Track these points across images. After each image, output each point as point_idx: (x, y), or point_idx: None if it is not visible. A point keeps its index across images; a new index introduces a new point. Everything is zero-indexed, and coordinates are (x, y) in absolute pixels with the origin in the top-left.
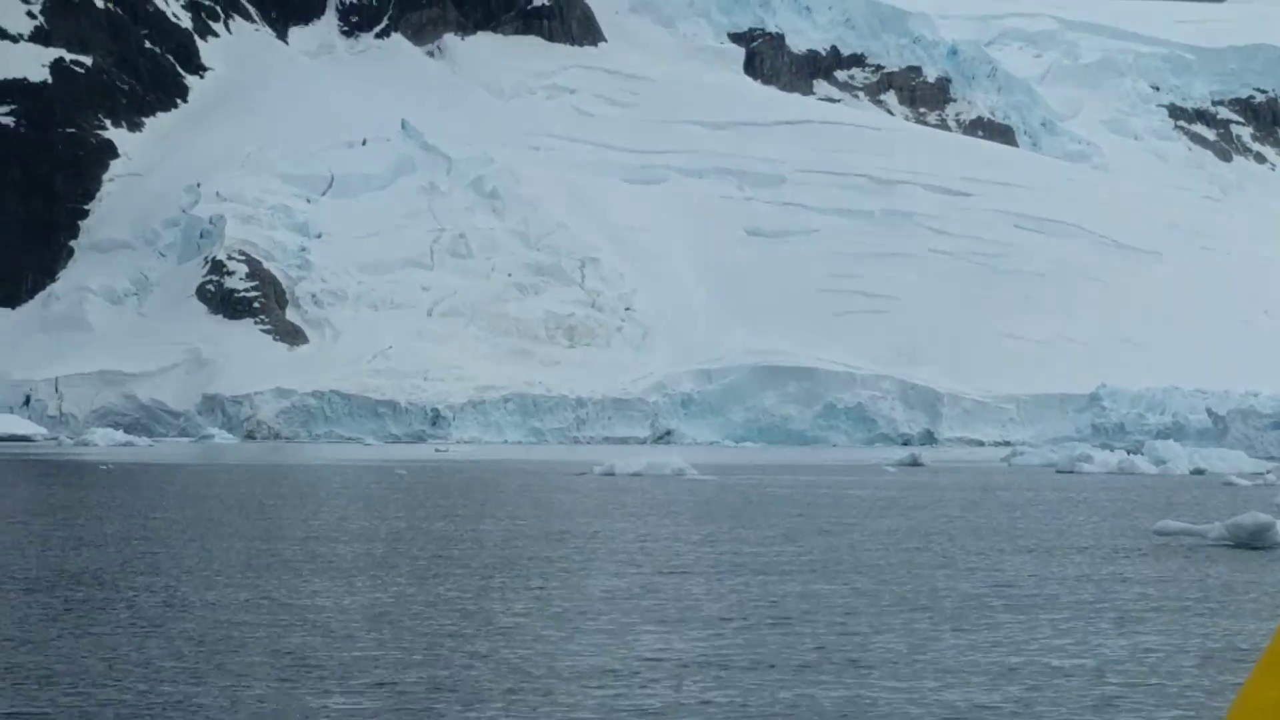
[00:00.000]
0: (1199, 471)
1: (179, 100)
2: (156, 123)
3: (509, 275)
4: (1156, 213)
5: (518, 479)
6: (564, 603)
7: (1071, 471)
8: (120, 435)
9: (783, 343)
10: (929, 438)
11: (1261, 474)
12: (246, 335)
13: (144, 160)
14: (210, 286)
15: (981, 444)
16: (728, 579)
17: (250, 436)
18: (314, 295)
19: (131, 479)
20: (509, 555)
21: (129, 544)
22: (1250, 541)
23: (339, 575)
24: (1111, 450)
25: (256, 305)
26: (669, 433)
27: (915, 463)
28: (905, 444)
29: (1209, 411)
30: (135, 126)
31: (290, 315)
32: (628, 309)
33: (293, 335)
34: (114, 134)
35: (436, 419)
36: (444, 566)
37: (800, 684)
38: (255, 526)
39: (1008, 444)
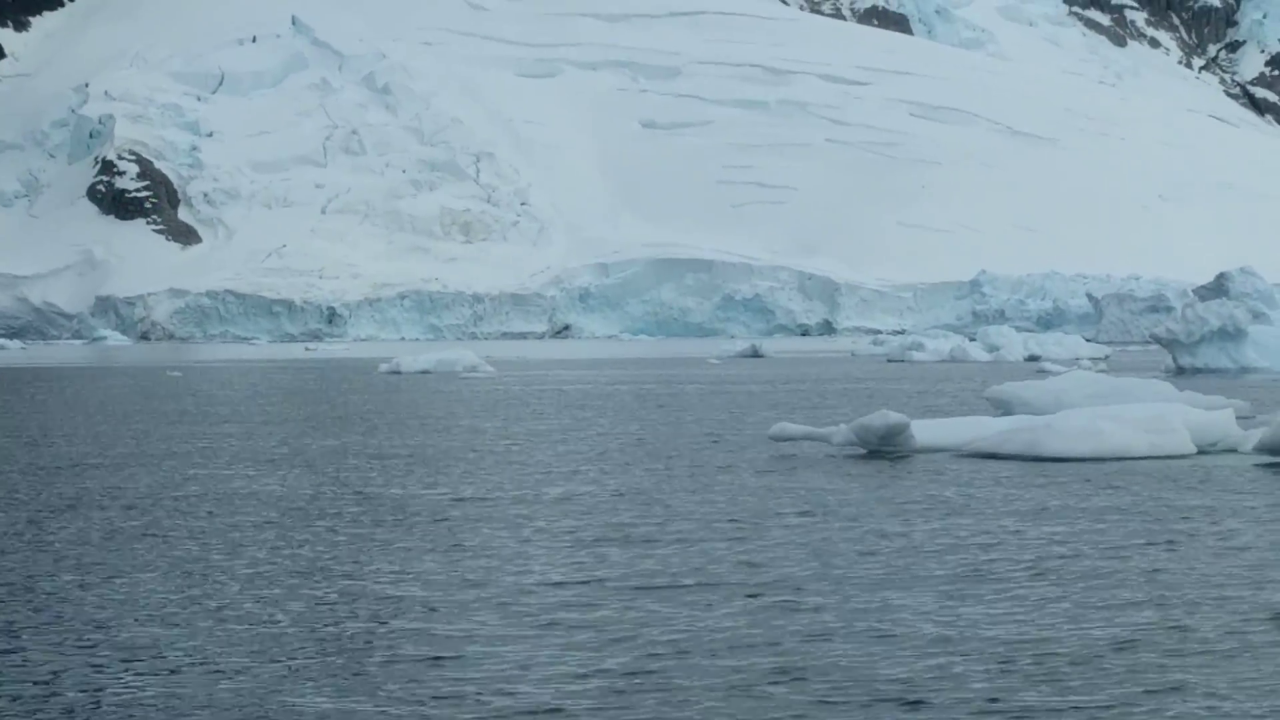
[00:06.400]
0: (1034, 358)
1: None
2: (43, 22)
3: (403, 171)
4: (1052, 99)
5: (303, 379)
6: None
7: (902, 360)
8: None
9: (680, 235)
10: (828, 328)
11: (1090, 359)
12: (139, 236)
13: (31, 60)
14: (101, 187)
15: (880, 333)
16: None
17: (145, 338)
18: (206, 194)
19: None
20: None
21: None
22: (880, 446)
23: None
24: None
25: (148, 205)
26: (567, 327)
27: (756, 354)
28: (804, 334)
29: (1089, 296)
30: (21, 26)
31: (183, 215)
32: (523, 204)
33: (186, 235)
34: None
35: (333, 317)
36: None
37: None
38: None
39: (903, 332)
